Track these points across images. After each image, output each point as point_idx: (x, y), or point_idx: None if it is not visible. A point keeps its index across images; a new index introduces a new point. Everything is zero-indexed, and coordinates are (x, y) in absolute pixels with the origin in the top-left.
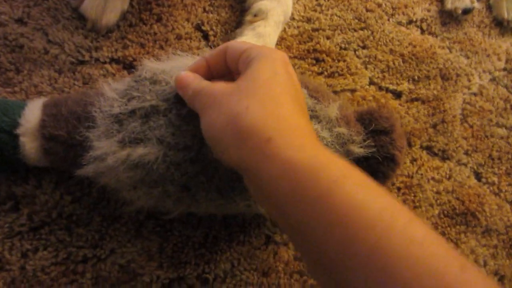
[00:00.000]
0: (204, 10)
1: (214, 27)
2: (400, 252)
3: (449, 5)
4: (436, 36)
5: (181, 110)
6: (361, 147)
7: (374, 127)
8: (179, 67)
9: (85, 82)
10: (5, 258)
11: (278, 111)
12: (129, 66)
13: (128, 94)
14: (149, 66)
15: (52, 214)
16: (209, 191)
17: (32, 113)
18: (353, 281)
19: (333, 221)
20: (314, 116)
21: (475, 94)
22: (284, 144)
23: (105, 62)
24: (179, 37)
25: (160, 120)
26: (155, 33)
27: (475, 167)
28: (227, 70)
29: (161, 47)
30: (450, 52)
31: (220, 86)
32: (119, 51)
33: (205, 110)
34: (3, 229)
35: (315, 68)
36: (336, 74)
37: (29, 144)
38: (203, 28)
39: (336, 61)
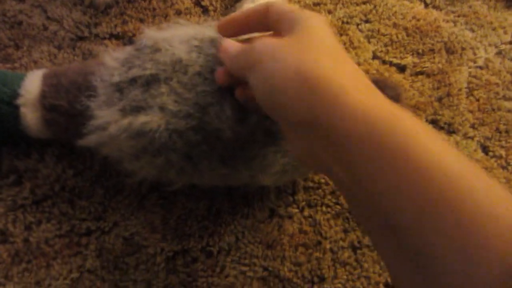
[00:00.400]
0: None
1: (213, 2)
2: (486, 214)
3: None
4: (440, 10)
5: (182, 78)
6: None
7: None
8: (180, 35)
9: (85, 57)
10: (9, 230)
11: (345, 67)
12: (129, 42)
13: (128, 62)
14: (150, 34)
15: (54, 187)
16: (211, 160)
17: (32, 84)
18: (435, 246)
19: (410, 176)
20: None
21: (481, 68)
22: (358, 94)
23: (104, 38)
24: (178, 12)
25: (161, 88)
26: (154, 9)
27: (482, 141)
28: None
29: (161, 23)
30: (455, 25)
31: (274, 40)
32: (119, 27)
33: (260, 64)
34: (6, 202)
35: None
36: None
37: (30, 115)
38: (202, 3)
39: (339, 35)
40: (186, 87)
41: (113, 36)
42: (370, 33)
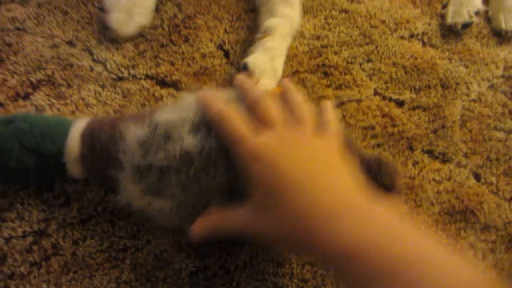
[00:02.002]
0: (225, 31)
1: (234, 46)
2: None
3: (449, 20)
4: (437, 48)
5: (189, 170)
6: None
7: (375, 180)
8: (190, 120)
9: (124, 95)
10: (60, 244)
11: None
12: (161, 82)
13: (145, 145)
14: (163, 118)
15: (97, 208)
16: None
17: (74, 142)
18: None
19: None
20: None
21: (474, 101)
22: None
23: (140, 78)
24: (203, 56)
25: (172, 178)
26: (183, 52)
27: (474, 169)
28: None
29: (188, 65)
30: (450, 62)
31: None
32: (153, 69)
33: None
34: (58, 220)
35: (324, 81)
36: (343, 86)
37: (73, 168)
38: (224, 47)
39: (343, 74)
40: (194, 178)
41: (148, 77)
42: (371, 71)
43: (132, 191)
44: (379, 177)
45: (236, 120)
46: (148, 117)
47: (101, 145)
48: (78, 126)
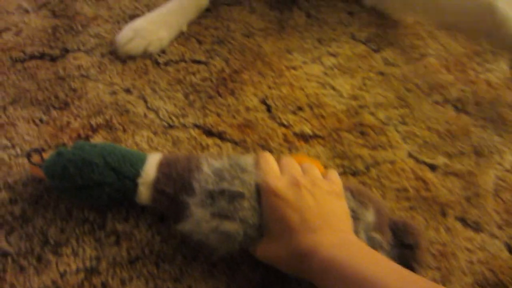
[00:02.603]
0: (268, 87)
1: (275, 101)
2: None
3: None
4: (471, 115)
5: (259, 197)
6: (387, 254)
7: (400, 240)
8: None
9: (174, 142)
10: (109, 283)
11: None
12: (208, 132)
13: (221, 174)
14: (242, 158)
15: (145, 250)
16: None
17: (151, 169)
18: None
19: None
20: (355, 217)
21: (508, 171)
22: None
23: (189, 127)
24: (247, 109)
25: (244, 203)
26: (229, 105)
27: (507, 240)
28: None
29: (233, 117)
30: (484, 130)
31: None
32: (201, 119)
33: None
34: (108, 259)
35: (360, 141)
36: (379, 147)
37: (144, 192)
38: (267, 102)
39: (379, 134)
40: (261, 204)
41: (196, 126)
42: (406, 134)
43: (201, 214)
44: (404, 236)
45: (273, 163)
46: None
47: (177, 173)
48: (156, 157)
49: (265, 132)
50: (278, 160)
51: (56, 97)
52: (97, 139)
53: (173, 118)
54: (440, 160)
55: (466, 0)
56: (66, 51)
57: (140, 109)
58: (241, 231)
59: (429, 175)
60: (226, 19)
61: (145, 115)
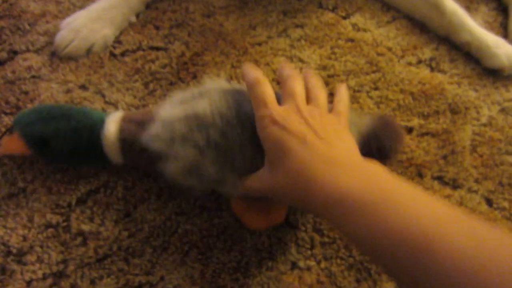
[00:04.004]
0: (232, 66)
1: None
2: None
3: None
4: (445, 73)
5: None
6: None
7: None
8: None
9: None
10: (78, 284)
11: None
12: None
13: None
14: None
15: (113, 247)
16: (242, 140)
17: (112, 123)
18: None
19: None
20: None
21: (484, 125)
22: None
23: None
24: None
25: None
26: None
27: (485, 194)
28: None
29: None
30: (459, 87)
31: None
32: None
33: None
34: (76, 261)
35: None
36: None
37: (111, 145)
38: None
39: (351, 103)
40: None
41: None
42: (379, 99)
43: (168, 109)
44: (382, 137)
45: (267, 88)
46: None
47: (137, 121)
48: (116, 113)
49: None
50: (280, 78)
51: (7, 102)
52: None
53: (133, 110)
54: (415, 121)
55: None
56: (14, 53)
57: (98, 104)
58: (208, 107)
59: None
60: (184, 1)
61: (104, 110)
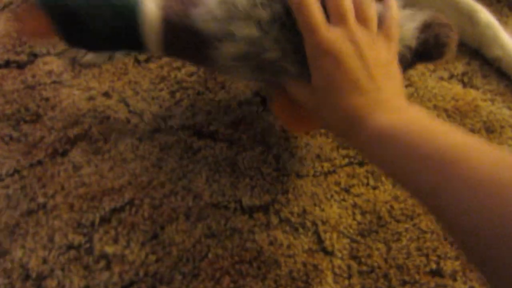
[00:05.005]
0: None
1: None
2: None
3: None
4: (478, 89)
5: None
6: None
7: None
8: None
9: (162, 148)
10: None
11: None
12: (198, 133)
13: None
14: None
15: (139, 272)
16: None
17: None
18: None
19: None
20: None
21: None
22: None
23: (177, 129)
24: (240, 103)
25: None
26: (219, 100)
27: None
28: None
29: (225, 113)
30: (493, 104)
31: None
32: (190, 119)
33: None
34: (99, 287)
35: None
36: None
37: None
38: (261, 93)
39: None
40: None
41: (185, 128)
42: None
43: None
44: (437, 27)
45: (315, 9)
46: None
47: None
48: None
49: (262, 127)
50: None
51: (27, 109)
52: (76, 152)
53: (159, 120)
54: None
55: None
56: (34, 56)
57: (122, 114)
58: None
59: None
60: None
61: (128, 120)
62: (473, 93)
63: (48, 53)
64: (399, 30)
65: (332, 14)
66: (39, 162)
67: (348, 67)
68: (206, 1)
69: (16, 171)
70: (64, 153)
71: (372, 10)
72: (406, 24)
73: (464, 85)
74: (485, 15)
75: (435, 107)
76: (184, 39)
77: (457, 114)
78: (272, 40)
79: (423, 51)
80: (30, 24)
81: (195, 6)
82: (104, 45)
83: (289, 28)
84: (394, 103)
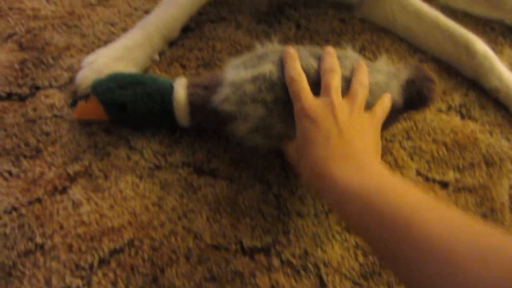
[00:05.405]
0: None
1: None
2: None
3: None
4: (476, 121)
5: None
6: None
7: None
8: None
9: (162, 186)
10: None
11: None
12: (199, 170)
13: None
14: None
15: None
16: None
17: (180, 88)
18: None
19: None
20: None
21: None
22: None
23: (178, 166)
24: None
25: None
26: (219, 138)
27: None
28: None
29: (225, 151)
30: (491, 136)
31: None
32: (190, 156)
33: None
34: None
35: None
36: None
37: (180, 108)
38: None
39: (385, 154)
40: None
41: (185, 164)
42: (412, 150)
43: (234, 73)
44: (419, 83)
45: (302, 83)
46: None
47: (204, 85)
48: (182, 79)
49: (261, 165)
50: (320, 69)
51: (27, 144)
52: (76, 189)
53: (159, 157)
54: (451, 175)
55: (445, 39)
56: (36, 88)
57: (122, 150)
58: (274, 69)
59: (441, 193)
60: (211, 38)
61: (128, 157)
62: (471, 125)
63: (50, 86)
64: (384, 91)
65: (322, 87)
66: (38, 200)
67: (322, 125)
68: (223, 89)
69: (14, 208)
70: (63, 190)
71: (362, 89)
72: (392, 83)
73: (462, 116)
74: (482, 46)
75: (434, 140)
76: (207, 117)
77: (456, 148)
78: (277, 116)
79: (409, 104)
80: (87, 108)
81: (215, 92)
82: (145, 124)
83: (289, 104)
84: (361, 159)
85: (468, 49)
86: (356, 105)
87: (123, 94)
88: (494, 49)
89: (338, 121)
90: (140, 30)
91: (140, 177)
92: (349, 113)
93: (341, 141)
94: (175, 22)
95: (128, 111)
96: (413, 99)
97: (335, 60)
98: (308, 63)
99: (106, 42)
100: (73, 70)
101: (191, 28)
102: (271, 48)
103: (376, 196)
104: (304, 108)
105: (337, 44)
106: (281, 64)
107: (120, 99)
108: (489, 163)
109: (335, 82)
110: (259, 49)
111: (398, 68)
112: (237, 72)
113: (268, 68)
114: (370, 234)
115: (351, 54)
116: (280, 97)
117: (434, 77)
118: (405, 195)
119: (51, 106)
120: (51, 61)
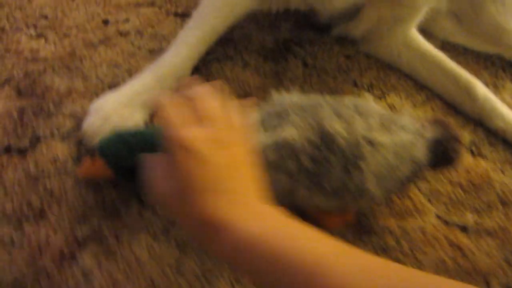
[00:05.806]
0: None
1: None
2: None
3: None
4: (487, 159)
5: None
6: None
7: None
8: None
9: (178, 245)
10: None
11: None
12: None
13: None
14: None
15: None
16: (331, 163)
17: None
18: None
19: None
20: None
21: None
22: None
23: None
24: None
25: (291, 116)
26: None
27: None
28: None
29: None
30: (504, 174)
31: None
32: None
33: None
34: None
35: (385, 210)
36: (405, 214)
37: None
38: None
39: (403, 199)
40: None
41: None
42: (430, 193)
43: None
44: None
45: (172, 110)
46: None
47: None
48: None
49: None
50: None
51: (29, 204)
52: (85, 255)
53: None
54: (469, 217)
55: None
56: (37, 139)
57: (133, 206)
58: (297, 134)
59: (462, 238)
60: (218, 79)
61: (140, 214)
62: (483, 163)
63: (52, 136)
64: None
65: (198, 116)
66: (45, 270)
67: (206, 163)
68: None
69: (19, 282)
70: (72, 257)
71: (209, 105)
72: (418, 143)
73: (473, 154)
74: (482, 90)
75: (450, 182)
76: None
77: (471, 189)
78: (301, 183)
79: (433, 164)
80: (93, 167)
81: None
82: None
83: (314, 173)
84: (248, 201)
85: (469, 93)
86: (215, 122)
87: (133, 158)
88: (495, 84)
89: (214, 161)
90: (152, 73)
91: (154, 237)
92: (225, 148)
93: (227, 177)
94: (187, 62)
95: (132, 168)
96: (438, 159)
97: (166, 96)
98: (332, 125)
99: (109, 85)
100: (76, 117)
101: (198, 67)
102: (289, 101)
103: (282, 242)
104: (175, 137)
105: (345, 82)
106: (305, 126)
107: (130, 164)
108: (504, 202)
109: (171, 116)
110: (276, 99)
111: (423, 124)
112: (257, 135)
113: (290, 133)
114: (280, 282)
115: (373, 107)
116: (304, 166)
117: (459, 136)
118: (310, 240)
119: (54, 160)
120: (52, 108)
